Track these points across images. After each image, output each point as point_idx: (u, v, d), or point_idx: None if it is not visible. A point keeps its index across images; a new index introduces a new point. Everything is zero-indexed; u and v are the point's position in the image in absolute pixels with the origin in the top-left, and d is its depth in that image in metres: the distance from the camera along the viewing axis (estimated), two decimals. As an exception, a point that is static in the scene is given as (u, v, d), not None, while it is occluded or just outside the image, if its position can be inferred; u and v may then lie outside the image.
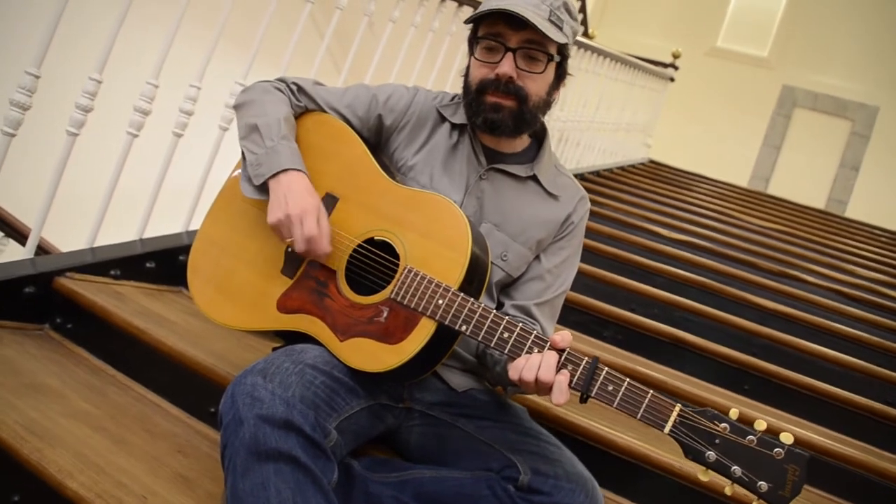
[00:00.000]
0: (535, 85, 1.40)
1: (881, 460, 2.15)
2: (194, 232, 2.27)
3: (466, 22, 1.43)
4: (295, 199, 1.32)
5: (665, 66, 6.92)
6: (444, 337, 1.27)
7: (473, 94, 1.41)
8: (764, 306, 3.24)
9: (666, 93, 7.07)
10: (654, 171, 6.51)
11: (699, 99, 8.94)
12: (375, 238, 1.35)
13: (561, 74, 1.46)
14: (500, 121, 1.39)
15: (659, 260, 3.57)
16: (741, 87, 9.23)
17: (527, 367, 1.16)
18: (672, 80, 7.00)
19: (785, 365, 2.69)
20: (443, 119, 1.51)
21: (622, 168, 6.10)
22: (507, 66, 1.36)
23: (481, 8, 1.37)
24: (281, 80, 1.52)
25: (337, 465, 1.18)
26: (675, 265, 3.54)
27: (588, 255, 3.38)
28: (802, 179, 8.73)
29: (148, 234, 2.25)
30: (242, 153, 1.43)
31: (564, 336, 1.17)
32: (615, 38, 8.12)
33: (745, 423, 1.09)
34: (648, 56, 6.85)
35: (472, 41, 1.43)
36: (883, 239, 5.90)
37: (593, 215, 4.14)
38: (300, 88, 1.51)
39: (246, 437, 1.10)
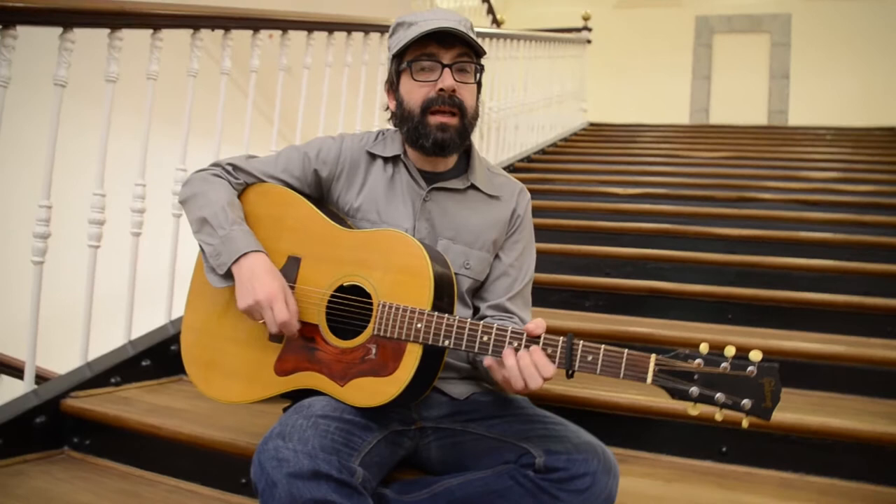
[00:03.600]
0: (470, 97, 1.51)
1: (870, 349, 2.26)
2: (177, 320, 2.36)
3: (400, 50, 1.50)
4: (260, 283, 1.40)
5: (579, 30, 7.07)
6: (433, 355, 1.36)
7: (418, 117, 1.49)
8: (730, 235, 3.36)
9: (587, 55, 7.22)
10: (596, 134, 6.64)
11: (621, 52, 9.09)
12: (345, 284, 1.44)
13: (479, 88, 1.58)
14: (448, 139, 1.48)
15: (621, 219, 3.68)
16: (657, 30, 9.41)
17: (528, 377, 1.25)
18: (589, 41, 7.15)
19: (762, 285, 2.81)
20: (373, 157, 1.60)
21: (565, 140, 6.22)
22: (449, 80, 1.46)
23: (416, 33, 1.45)
24: (216, 164, 1.60)
25: (370, 498, 1.27)
26: (638, 220, 3.65)
27: (552, 233, 3.48)
28: (739, 101, 8.92)
29: (135, 331, 2.33)
30: (200, 246, 1.51)
31: (538, 324, 1.27)
32: (528, 17, 8.29)
33: (716, 352, 1.19)
34: (565, 24, 7.01)
35: (397, 71, 1.53)
36: (828, 137, 6.06)
37: (550, 193, 4.25)
38: (235, 167, 1.59)
39: (282, 496, 1.18)
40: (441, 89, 1.46)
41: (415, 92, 1.49)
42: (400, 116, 1.54)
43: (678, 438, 1.88)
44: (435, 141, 1.48)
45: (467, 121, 1.50)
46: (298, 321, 1.43)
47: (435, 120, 1.47)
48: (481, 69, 1.53)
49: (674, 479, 1.74)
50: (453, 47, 1.47)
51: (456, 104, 1.47)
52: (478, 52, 1.51)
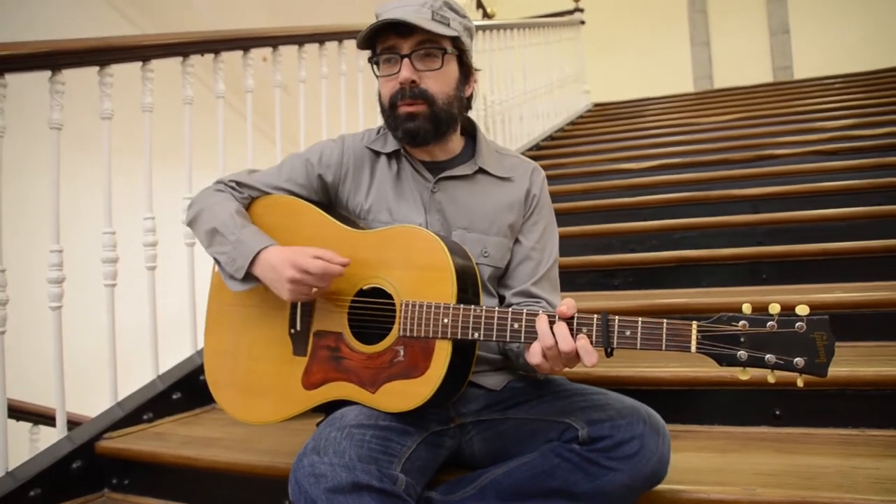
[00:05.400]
0: (438, 83, 1.45)
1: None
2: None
3: (360, 47, 1.50)
4: (281, 265, 1.35)
5: (571, 12, 7.00)
6: (464, 350, 1.31)
7: (388, 111, 1.47)
8: (753, 195, 3.28)
9: (582, 37, 7.13)
10: (602, 113, 6.56)
11: (617, 29, 8.97)
12: (364, 288, 1.39)
13: (466, 69, 1.52)
14: (418, 128, 1.44)
15: (639, 193, 3.62)
16: (650, 2, 9.28)
17: (545, 346, 1.19)
18: (583, 22, 7.07)
19: (793, 241, 2.73)
20: (377, 154, 1.56)
21: (571, 123, 6.15)
22: (406, 71, 1.42)
23: (365, 30, 1.43)
24: (218, 181, 1.57)
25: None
26: (656, 192, 3.58)
27: (572, 216, 3.43)
28: (742, 63, 8.77)
29: (163, 365, 2.30)
30: (215, 259, 1.47)
31: (569, 305, 1.21)
32: (519, 5, 8.19)
33: (760, 312, 1.12)
34: (556, 8, 6.93)
35: (373, 65, 1.50)
36: (837, 85, 5.94)
37: (564, 177, 4.19)
38: (238, 183, 1.56)
39: (324, 513, 1.14)
40: (401, 83, 1.42)
41: (383, 87, 1.48)
42: (381, 110, 1.51)
43: (729, 407, 1.81)
44: (405, 131, 1.45)
45: (438, 107, 1.45)
46: (338, 258, 1.35)
47: (402, 110, 1.44)
48: (448, 51, 1.45)
49: (730, 449, 1.67)
50: (411, 36, 1.42)
51: (418, 95, 1.43)
52: (450, 36, 1.45)
